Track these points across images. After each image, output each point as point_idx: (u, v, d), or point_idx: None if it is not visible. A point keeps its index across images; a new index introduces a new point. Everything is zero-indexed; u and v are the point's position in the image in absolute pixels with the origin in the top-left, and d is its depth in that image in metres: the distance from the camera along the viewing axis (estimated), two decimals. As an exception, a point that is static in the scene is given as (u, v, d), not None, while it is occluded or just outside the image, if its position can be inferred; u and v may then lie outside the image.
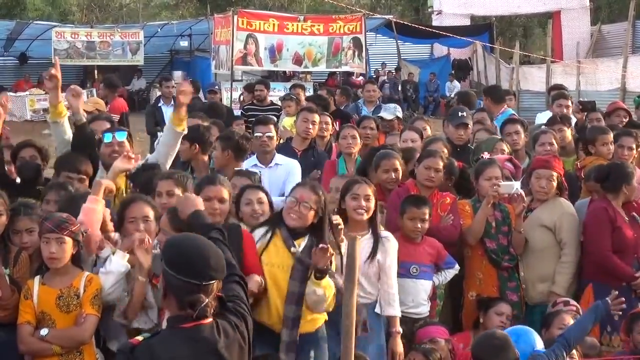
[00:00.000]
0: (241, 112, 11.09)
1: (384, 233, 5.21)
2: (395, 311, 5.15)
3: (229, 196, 4.75)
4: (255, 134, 6.87)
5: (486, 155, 6.34)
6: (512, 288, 5.89)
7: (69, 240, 4.28)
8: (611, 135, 6.93)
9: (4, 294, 4.27)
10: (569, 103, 8.58)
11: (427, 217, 5.54)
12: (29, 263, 4.57)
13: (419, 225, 5.51)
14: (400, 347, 5.12)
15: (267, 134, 6.76)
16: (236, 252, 4.22)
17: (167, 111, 11.02)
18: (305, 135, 7.49)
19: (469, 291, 5.89)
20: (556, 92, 9.28)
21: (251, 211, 4.98)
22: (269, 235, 4.73)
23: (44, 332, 4.26)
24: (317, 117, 7.59)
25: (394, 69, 26.88)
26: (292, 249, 4.64)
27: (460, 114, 7.52)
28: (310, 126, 7.46)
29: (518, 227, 5.89)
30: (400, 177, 6.05)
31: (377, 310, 5.15)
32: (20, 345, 4.28)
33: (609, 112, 8.65)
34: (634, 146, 6.86)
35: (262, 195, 5.05)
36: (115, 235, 4.67)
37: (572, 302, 5.48)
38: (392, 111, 8.33)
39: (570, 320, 5.10)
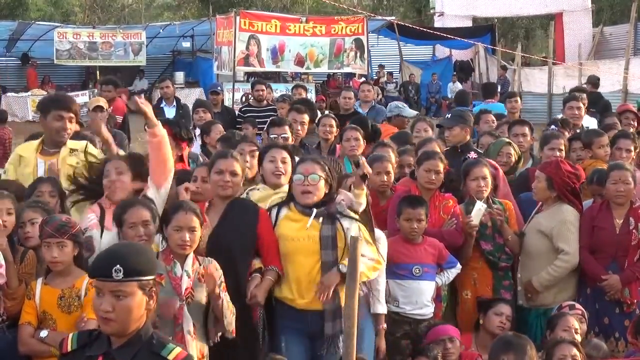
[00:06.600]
0: (238, 113, 11.01)
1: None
2: (382, 309, 5.21)
3: (241, 170, 4.84)
4: (270, 135, 6.92)
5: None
6: (506, 287, 5.87)
7: (69, 243, 4.30)
8: (607, 138, 6.95)
9: (12, 282, 4.31)
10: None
11: (423, 217, 5.52)
12: (35, 262, 4.57)
13: (415, 226, 5.49)
14: (384, 345, 5.22)
15: (282, 135, 6.84)
16: (251, 230, 4.65)
17: (169, 112, 11.00)
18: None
19: (462, 290, 5.86)
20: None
21: (274, 168, 5.08)
22: (282, 211, 4.80)
23: (43, 333, 4.27)
24: (306, 117, 7.74)
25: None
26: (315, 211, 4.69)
27: (446, 115, 7.67)
28: (299, 127, 7.56)
29: (505, 235, 5.84)
30: (392, 180, 6.02)
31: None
32: (20, 345, 4.30)
33: (619, 113, 8.74)
34: (632, 148, 6.85)
35: (286, 155, 5.13)
36: None
37: (578, 305, 5.45)
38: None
39: (575, 323, 5.08)
